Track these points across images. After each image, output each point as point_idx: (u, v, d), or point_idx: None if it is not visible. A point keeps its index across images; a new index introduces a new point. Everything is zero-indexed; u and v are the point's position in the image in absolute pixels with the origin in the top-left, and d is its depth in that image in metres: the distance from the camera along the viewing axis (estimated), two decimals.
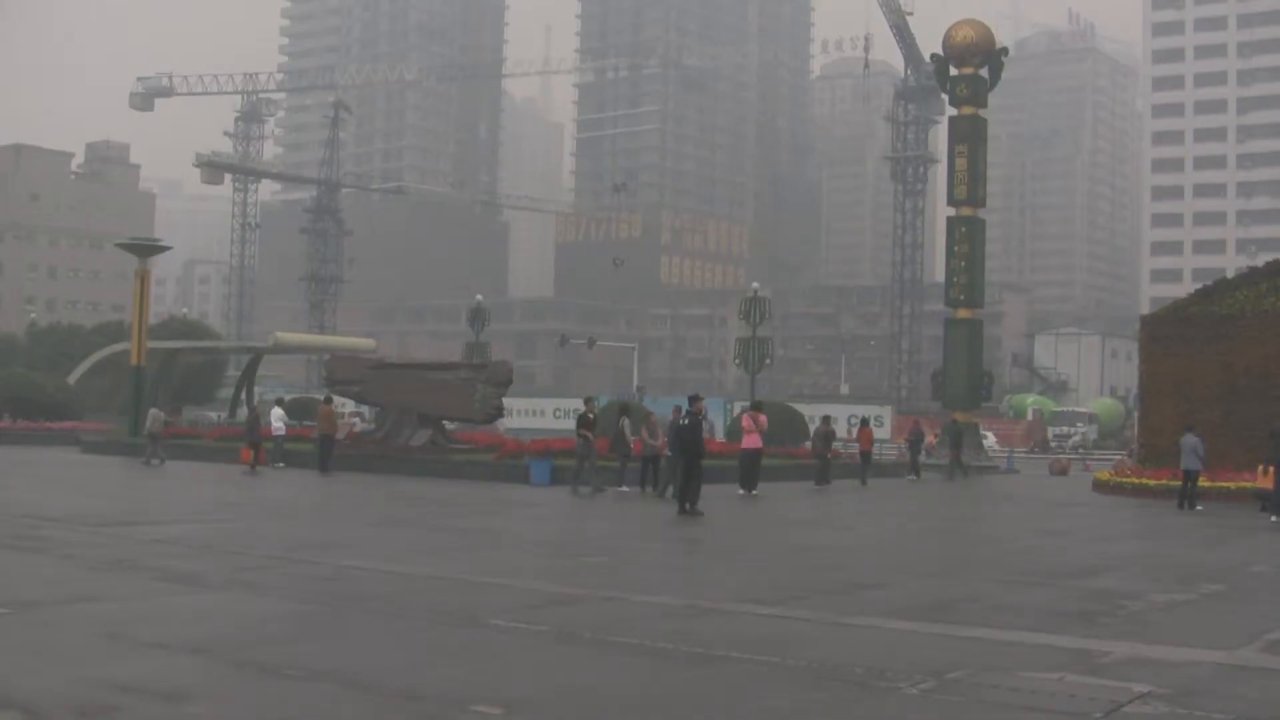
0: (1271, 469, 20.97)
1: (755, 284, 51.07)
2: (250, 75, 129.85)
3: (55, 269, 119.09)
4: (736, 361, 49.50)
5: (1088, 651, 7.99)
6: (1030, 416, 74.14)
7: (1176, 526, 19.71)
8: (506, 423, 46.46)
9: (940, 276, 58.92)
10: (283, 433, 29.62)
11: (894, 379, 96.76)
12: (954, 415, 42.71)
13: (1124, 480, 27.16)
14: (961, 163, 44.56)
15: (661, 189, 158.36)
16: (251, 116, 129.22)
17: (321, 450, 27.79)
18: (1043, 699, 6.61)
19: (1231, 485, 23.87)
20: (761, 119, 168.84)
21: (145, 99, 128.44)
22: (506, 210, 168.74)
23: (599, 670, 7.42)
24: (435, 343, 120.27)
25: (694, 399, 20.48)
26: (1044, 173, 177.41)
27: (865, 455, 31.07)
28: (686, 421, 19.69)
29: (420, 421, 29.71)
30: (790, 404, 52.03)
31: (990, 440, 52.45)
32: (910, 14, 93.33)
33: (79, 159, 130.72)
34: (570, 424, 54.68)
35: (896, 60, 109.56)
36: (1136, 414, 43.09)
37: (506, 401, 31.69)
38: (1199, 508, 22.34)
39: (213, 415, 54.88)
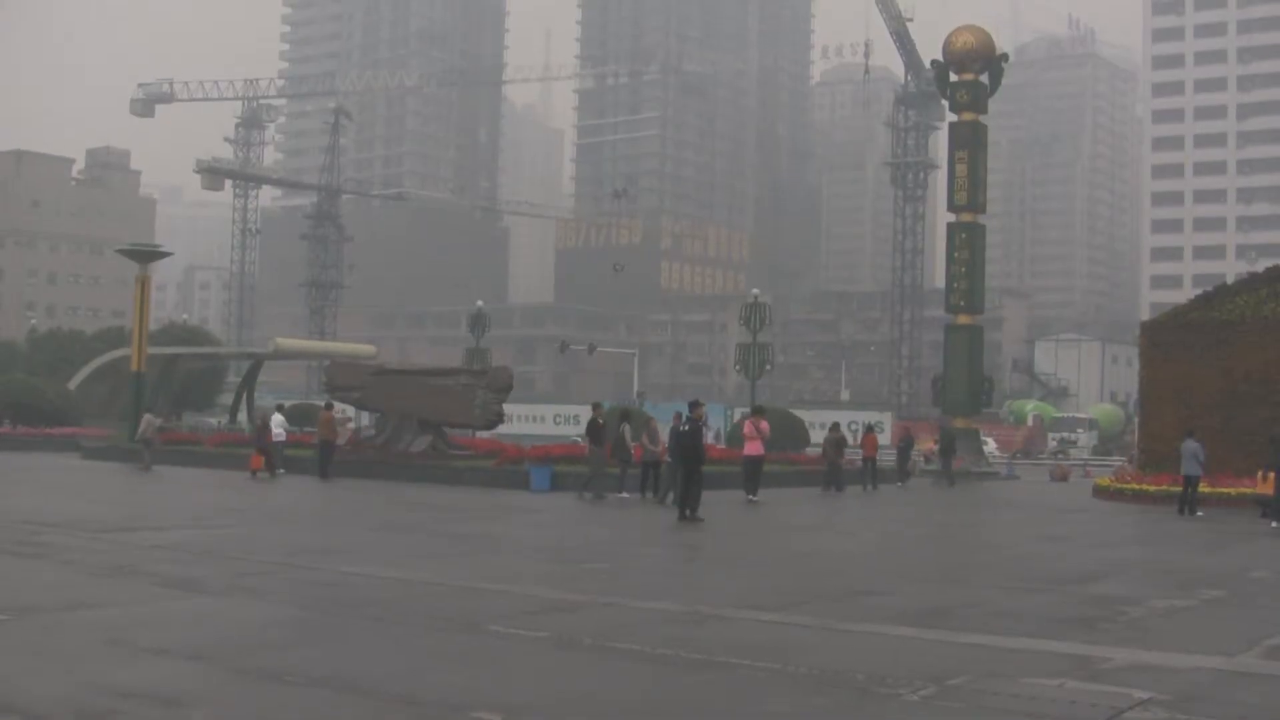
0: (1271, 475, 20.98)
1: (755, 290, 51.13)
2: (251, 81, 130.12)
3: (56, 275, 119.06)
4: (737, 367, 49.49)
5: (1088, 657, 7.98)
6: (1030, 422, 74.22)
7: (1177, 532, 19.70)
8: (505, 428, 46.43)
9: (940, 282, 59.00)
10: (283, 439, 29.65)
11: (894, 385, 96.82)
12: (952, 421, 42.67)
13: (1124, 486, 27.19)
14: (962, 168, 44.62)
15: (661, 194, 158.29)
16: (252, 122, 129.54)
17: (322, 456, 27.80)
18: (1043, 705, 6.61)
19: (1232, 491, 23.88)
20: (761, 125, 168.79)
21: (146, 105, 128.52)
22: (507, 216, 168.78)
23: (599, 676, 7.42)
24: (436, 348, 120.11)
25: (694, 405, 20.47)
26: (1044, 178, 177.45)
27: (870, 461, 31.25)
28: (687, 428, 19.70)
29: (420, 427, 29.69)
30: (791, 410, 52.08)
31: (990, 446, 52.52)
32: (910, 20, 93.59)
33: (79, 165, 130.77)
34: (570, 429, 55.21)
35: (897, 66, 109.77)
36: (1137, 420, 43.09)
37: (506, 407, 31.69)
38: (1199, 513, 22.35)
39: (213, 421, 54.82)
